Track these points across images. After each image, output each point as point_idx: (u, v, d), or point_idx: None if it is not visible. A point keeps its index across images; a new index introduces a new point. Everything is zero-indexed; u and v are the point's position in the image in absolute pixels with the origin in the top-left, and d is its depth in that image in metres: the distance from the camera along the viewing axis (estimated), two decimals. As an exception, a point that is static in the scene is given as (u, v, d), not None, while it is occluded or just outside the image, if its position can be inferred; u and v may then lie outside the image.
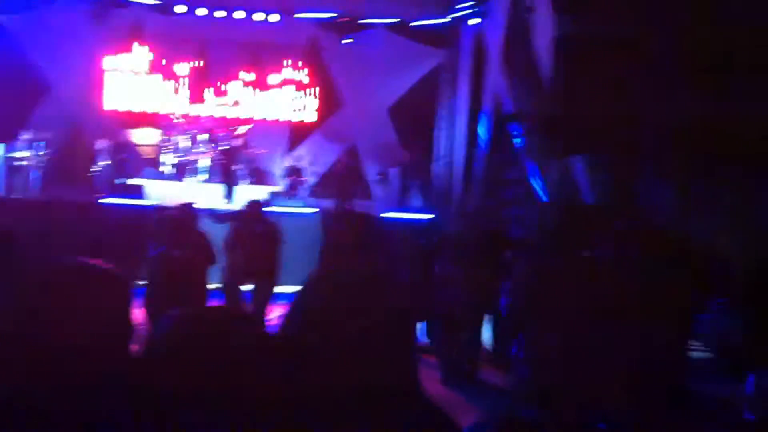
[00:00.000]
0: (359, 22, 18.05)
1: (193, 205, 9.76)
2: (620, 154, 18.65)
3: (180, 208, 9.51)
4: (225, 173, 17.12)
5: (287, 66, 18.37)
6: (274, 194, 16.46)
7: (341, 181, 17.35)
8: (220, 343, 1.46)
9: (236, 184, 16.74)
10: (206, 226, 10.47)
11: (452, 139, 18.42)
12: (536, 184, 16.83)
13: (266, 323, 8.87)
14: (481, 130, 16.75)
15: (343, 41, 18.13)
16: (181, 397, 1.36)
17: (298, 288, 1.79)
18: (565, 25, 17.50)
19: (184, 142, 17.84)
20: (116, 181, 16.00)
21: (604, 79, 17.55)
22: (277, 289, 10.51)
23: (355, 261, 11.41)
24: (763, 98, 16.81)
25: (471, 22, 17.45)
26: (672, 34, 18.44)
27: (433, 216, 16.05)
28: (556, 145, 17.91)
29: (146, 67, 17.79)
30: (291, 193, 16.94)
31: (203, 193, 16.57)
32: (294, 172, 17.36)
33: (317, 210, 15.83)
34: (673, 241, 6.39)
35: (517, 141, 16.35)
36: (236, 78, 18.23)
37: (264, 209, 11.20)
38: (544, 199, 17.67)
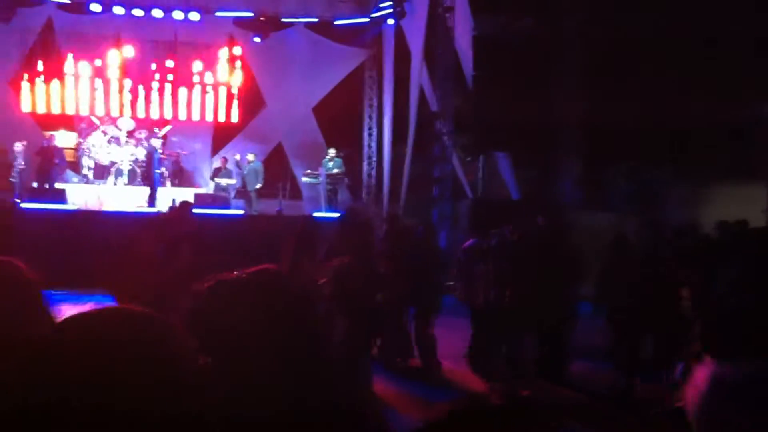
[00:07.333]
0: (280, 20, 17.88)
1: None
2: (537, 151, 19.19)
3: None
4: (146, 175, 16.67)
5: (208, 65, 18.03)
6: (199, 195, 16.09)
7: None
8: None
9: (158, 186, 16.21)
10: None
11: (379, 137, 18.54)
12: (462, 181, 17.15)
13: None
14: (407, 128, 16.90)
15: (264, 40, 17.85)
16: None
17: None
18: (483, 24, 17.88)
19: (102, 144, 17.31)
20: (40, 185, 15.36)
21: (519, 76, 18.01)
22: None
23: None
24: (656, 97, 17.71)
25: (389, 22, 17.56)
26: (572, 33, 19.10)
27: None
28: (480, 141, 18.26)
29: (61, 68, 17.17)
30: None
31: (124, 197, 16.16)
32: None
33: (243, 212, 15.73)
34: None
35: (442, 138, 16.56)
36: (156, 78, 17.76)
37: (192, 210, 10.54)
38: (470, 195, 17.99)
